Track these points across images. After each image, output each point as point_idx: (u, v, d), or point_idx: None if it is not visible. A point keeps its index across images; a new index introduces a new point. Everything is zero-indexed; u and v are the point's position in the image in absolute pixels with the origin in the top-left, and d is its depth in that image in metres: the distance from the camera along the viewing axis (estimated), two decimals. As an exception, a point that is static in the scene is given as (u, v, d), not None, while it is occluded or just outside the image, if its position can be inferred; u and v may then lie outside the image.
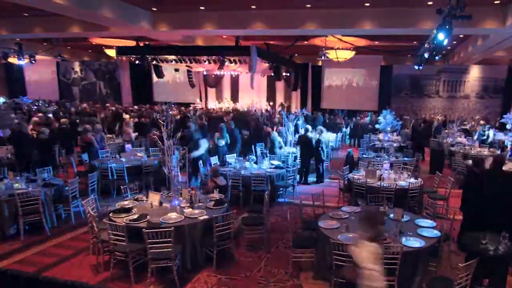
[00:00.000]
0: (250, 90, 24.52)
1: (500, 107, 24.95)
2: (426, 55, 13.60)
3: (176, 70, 23.64)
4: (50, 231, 8.36)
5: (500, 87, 25.38)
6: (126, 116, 15.42)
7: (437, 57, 13.23)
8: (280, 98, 27.79)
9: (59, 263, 7.09)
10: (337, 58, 21.00)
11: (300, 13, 14.76)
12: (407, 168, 11.21)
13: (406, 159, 12.76)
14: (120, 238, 6.18)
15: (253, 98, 27.41)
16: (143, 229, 5.99)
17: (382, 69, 26.94)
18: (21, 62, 23.58)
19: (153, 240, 5.97)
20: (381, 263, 4.17)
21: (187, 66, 19.72)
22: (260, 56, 15.73)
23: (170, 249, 6.04)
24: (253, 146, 13.85)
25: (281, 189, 10.94)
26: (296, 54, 24.55)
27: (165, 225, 6.35)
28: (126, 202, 7.57)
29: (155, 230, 6.02)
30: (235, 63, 16.32)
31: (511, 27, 13.21)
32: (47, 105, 27.65)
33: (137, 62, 17.42)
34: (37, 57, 24.25)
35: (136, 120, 17.02)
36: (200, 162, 11.46)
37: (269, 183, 10.30)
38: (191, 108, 26.23)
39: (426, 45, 13.47)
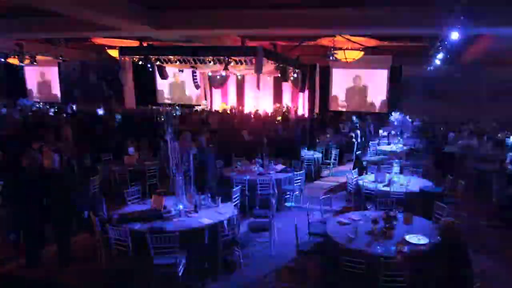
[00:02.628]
0: (256, 91, 24.54)
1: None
2: (437, 56, 13.59)
3: (181, 70, 23.66)
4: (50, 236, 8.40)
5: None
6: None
7: (448, 58, 13.22)
8: (287, 100, 27.75)
9: (62, 268, 7.14)
10: (346, 58, 20.95)
11: (307, 13, 14.75)
12: (417, 171, 11.20)
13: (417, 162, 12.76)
14: (123, 243, 6.20)
15: (259, 99, 27.42)
16: (147, 234, 6.02)
17: (392, 70, 26.87)
18: (22, 63, 23.63)
19: (157, 246, 5.99)
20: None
21: (191, 66, 19.75)
22: (266, 57, 15.73)
23: (175, 255, 6.06)
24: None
25: (288, 193, 10.94)
26: (303, 55, 24.52)
27: (169, 230, 6.36)
28: (129, 207, 7.62)
29: (159, 235, 6.05)
30: (241, 63, 16.32)
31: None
32: (47, 106, 27.73)
33: (140, 62, 17.46)
34: (38, 57, 24.30)
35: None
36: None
37: (276, 187, 10.28)
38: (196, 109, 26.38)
39: (437, 46, 13.47)
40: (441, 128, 20.03)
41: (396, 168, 10.61)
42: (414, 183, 9.72)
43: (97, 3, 13.04)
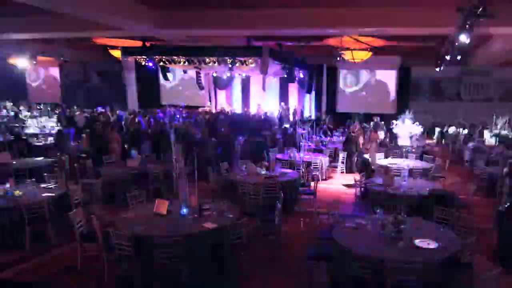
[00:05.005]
0: (262, 92, 24.52)
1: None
2: (446, 57, 13.57)
3: (185, 71, 23.72)
4: (53, 240, 8.43)
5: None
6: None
7: (458, 58, 13.20)
8: (293, 101, 27.75)
9: (64, 273, 7.16)
10: (353, 59, 20.93)
11: (314, 12, 14.77)
12: (427, 174, 11.19)
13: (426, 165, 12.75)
14: (126, 248, 6.21)
15: (263, 100, 27.40)
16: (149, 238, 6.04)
17: (400, 71, 26.86)
18: (22, 64, 23.68)
19: (161, 250, 6.01)
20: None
21: (195, 67, 19.77)
22: (272, 57, 15.74)
23: (178, 259, 6.08)
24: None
25: (294, 196, 10.92)
26: (310, 55, 24.52)
27: (173, 234, 6.36)
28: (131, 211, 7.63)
29: (162, 239, 6.06)
30: (246, 64, 16.34)
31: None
32: (49, 108, 27.71)
33: (143, 63, 17.51)
34: (39, 58, 24.30)
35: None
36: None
37: (282, 190, 10.24)
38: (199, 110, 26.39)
39: (446, 46, 13.45)
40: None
41: (405, 171, 10.58)
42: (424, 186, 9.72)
43: (101, 3, 13.11)
